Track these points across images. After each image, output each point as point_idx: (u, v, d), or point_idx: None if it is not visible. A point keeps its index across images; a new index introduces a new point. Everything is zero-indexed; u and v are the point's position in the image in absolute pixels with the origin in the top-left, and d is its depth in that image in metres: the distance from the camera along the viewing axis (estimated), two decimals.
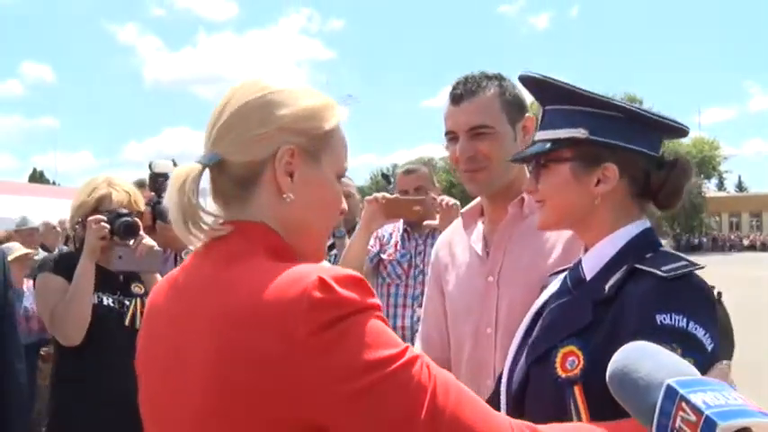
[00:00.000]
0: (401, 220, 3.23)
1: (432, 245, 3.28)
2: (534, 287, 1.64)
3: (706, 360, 1.04)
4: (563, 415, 1.16)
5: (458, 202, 2.81)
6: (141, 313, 2.46)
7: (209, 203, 1.08)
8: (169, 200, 1.03)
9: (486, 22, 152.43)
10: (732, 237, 57.07)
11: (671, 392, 0.77)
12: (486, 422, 0.91)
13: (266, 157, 1.03)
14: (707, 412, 0.73)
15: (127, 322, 2.46)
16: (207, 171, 1.06)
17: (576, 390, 1.16)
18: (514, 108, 1.78)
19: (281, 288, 0.91)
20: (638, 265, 1.22)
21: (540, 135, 1.38)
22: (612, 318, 1.19)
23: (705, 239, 55.69)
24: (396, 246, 3.28)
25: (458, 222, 2.00)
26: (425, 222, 2.90)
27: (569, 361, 1.20)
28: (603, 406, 1.01)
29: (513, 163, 1.48)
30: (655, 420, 0.78)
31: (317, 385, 0.87)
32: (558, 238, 1.72)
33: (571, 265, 1.46)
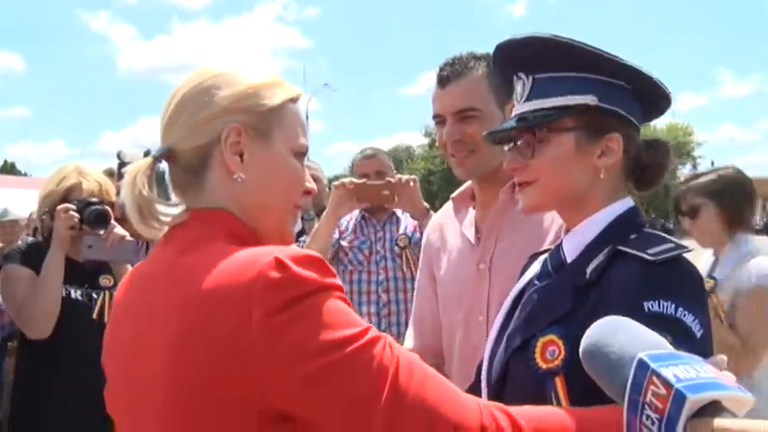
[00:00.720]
0: None
1: (390, 230, 3.30)
2: None
3: (696, 348, 0.99)
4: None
5: (415, 177, 2.80)
6: (110, 306, 2.38)
7: (173, 196, 1.08)
8: (124, 196, 1.03)
9: (463, 10, 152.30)
10: None
11: (642, 366, 0.76)
12: (451, 403, 0.90)
13: (213, 140, 1.03)
14: (677, 385, 0.72)
15: (95, 315, 2.40)
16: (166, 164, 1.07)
17: (558, 381, 1.11)
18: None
19: (236, 270, 0.89)
20: (621, 247, 1.16)
21: (531, 105, 1.24)
22: (594, 303, 1.13)
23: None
24: (355, 232, 3.27)
25: (449, 206, 1.97)
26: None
27: (549, 351, 1.15)
28: (586, 398, 0.98)
29: (494, 136, 1.34)
30: (627, 395, 0.77)
31: (275, 367, 0.85)
32: (552, 224, 1.68)
33: (552, 246, 1.40)
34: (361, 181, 2.82)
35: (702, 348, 1.02)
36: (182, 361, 0.90)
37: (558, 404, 1.10)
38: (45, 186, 2.50)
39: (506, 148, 1.32)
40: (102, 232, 2.41)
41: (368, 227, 3.28)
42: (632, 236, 1.20)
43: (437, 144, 1.86)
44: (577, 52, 1.21)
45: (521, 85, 1.28)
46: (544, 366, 1.14)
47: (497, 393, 1.28)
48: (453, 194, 1.94)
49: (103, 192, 2.48)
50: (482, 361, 1.40)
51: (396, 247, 3.22)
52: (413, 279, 3.17)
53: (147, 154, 1.09)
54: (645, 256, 1.11)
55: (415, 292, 2.04)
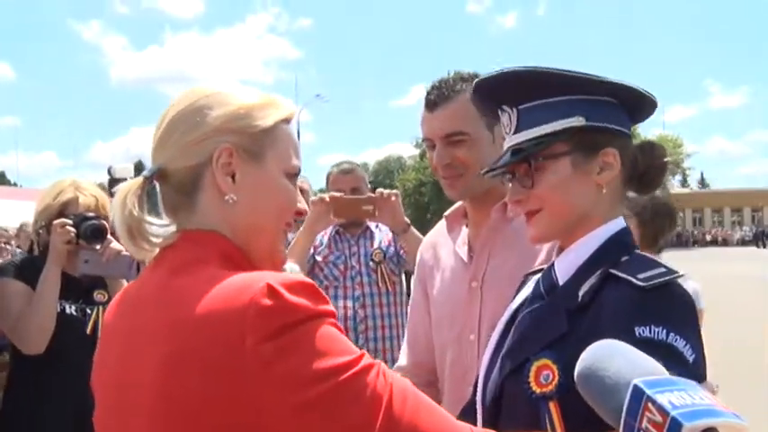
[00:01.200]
0: None
1: (365, 245, 3.24)
2: None
3: (688, 372, 0.99)
4: None
5: (397, 192, 2.78)
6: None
7: (164, 216, 1.07)
8: (114, 216, 1.02)
9: (454, 22, 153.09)
10: (695, 232, 58.25)
11: (638, 393, 0.77)
12: (445, 430, 0.90)
13: (204, 160, 1.02)
14: (672, 413, 0.73)
15: (88, 331, 2.39)
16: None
17: (552, 407, 1.11)
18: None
19: (228, 296, 0.89)
20: (612, 271, 1.17)
21: (521, 136, 1.25)
22: (587, 328, 1.13)
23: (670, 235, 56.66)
24: (329, 247, 3.21)
25: (442, 224, 1.97)
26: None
27: (543, 375, 1.14)
28: (580, 423, 0.98)
29: (492, 174, 1.34)
30: (622, 420, 0.78)
31: (267, 396, 0.84)
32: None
33: (545, 266, 1.39)
34: (341, 195, 2.78)
35: (695, 372, 1.02)
36: (172, 385, 0.89)
37: (553, 429, 1.09)
38: (41, 200, 2.49)
39: (507, 180, 1.32)
40: (98, 247, 2.41)
41: (342, 241, 3.22)
42: (624, 258, 1.20)
43: (429, 164, 1.87)
44: (555, 79, 1.22)
45: (506, 118, 1.29)
46: (538, 391, 1.14)
47: (492, 415, 1.27)
48: (446, 213, 1.94)
49: (100, 206, 2.48)
50: (477, 381, 1.39)
51: (371, 262, 3.17)
52: (388, 294, 3.16)
53: (137, 167, 1.09)
54: (635, 281, 1.11)
55: (409, 309, 2.03)
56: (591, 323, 1.13)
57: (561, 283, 1.25)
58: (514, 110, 1.27)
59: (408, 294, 2.44)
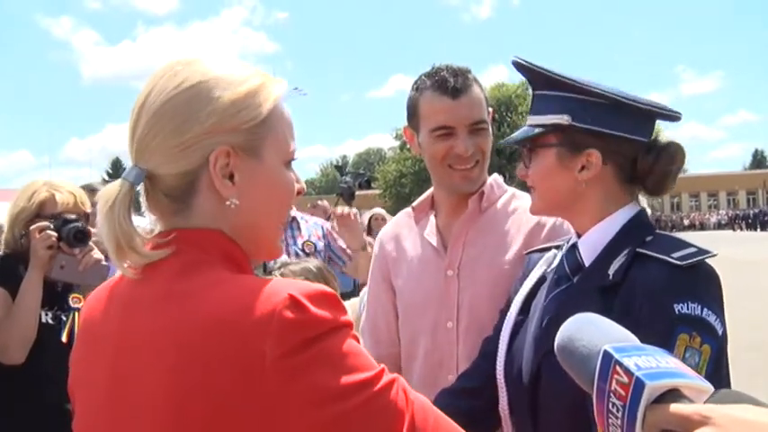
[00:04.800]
0: None
1: (293, 234, 3.26)
2: (496, 280, 1.67)
3: (718, 343, 1.12)
4: (583, 410, 1.14)
5: (356, 211, 2.84)
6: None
7: (147, 216, 0.99)
8: (100, 227, 0.92)
9: (430, 11, 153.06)
10: (673, 217, 58.99)
11: (607, 357, 0.79)
12: None
13: (198, 165, 0.92)
14: (637, 373, 0.75)
15: (64, 338, 2.31)
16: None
17: None
18: (487, 102, 1.79)
19: (243, 306, 0.82)
20: (641, 250, 1.24)
21: (530, 120, 1.39)
22: (622, 305, 1.20)
23: None
24: None
25: (404, 216, 1.98)
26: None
27: None
28: None
29: (506, 145, 1.45)
30: (594, 386, 0.81)
31: (291, 411, 0.80)
32: (518, 232, 1.72)
33: (553, 243, 1.47)
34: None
35: (722, 343, 1.15)
36: (179, 404, 0.82)
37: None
38: (15, 203, 2.39)
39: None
40: (77, 251, 2.33)
41: None
42: (648, 238, 1.28)
43: (413, 152, 1.87)
44: (551, 77, 1.32)
45: (531, 98, 1.43)
46: None
47: (530, 394, 1.33)
48: (413, 204, 1.95)
49: (79, 203, 2.39)
50: (468, 367, 1.46)
51: (302, 253, 3.17)
52: None
53: (115, 165, 1.00)
54: (671, 260, 1.19)
55: (365, 304, 2.04)
56: (624, 301, 1.20)
57: (587, 263, 1.33)
58: (533, 93, 1.40)
59: None
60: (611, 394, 0.78)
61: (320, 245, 3.19)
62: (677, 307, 1.13)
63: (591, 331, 0.88)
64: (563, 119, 1.31)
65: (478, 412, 1.42)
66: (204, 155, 0.92)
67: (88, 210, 2.45)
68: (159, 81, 0.94)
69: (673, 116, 1.36)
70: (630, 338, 0.86)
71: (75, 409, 1.00)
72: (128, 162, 0.98)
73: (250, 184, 0.94)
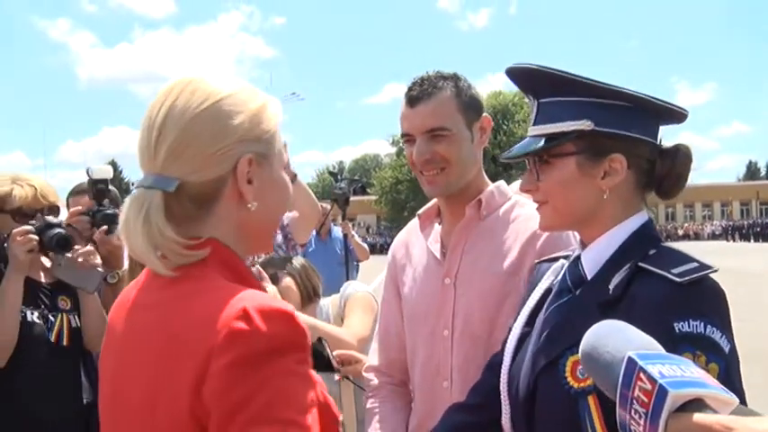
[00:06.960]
0: None
1: None
2: (492, 289, 1.66)
3: (726, 362, 1.06)
4: (576, 428, 1.13)
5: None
6: (69, 329, 2.30)
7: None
8: (133, 230, 0.97)
9: (426, 19, 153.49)
10: (668, 227, 59.09)
11: (631, 363, 0.80)
12: None
13: (227, 171, 1.00)
14: (660, 381, 0.76)
15: (53, 339, 2.27)
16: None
17: (591, 401, 1.12)
18: (471, 109, 1.75)
19: (206, 316, 0.90)
20: (642, 264, 1.18)
21: (537, 130, 1.29)
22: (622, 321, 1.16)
23: None
24: None
25: (414, 223, 1.98)
26: None
27: (579, 370, 1.14)
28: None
29: (509, 161, 1.38)
30: (618, 392, 0.81)
31: (214, 417, 0.85)
32: (516, 240, 1.71)
33: (562, 253, 1.42)
34: None
35: (731, 360, 1.08)
36: (157, 399, 0.92)
37: (592, 424, 1.11)
38: None
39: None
40: (68, 255, 2.30)
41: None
42: (651, 251, 1.22)
43: (407, 160, 1.87)
44: (568, 80, 1.25)
45: (531, 107, 1.33)
46: (576, 386, 1.15)
47: (526, 410, 1.29)
48: (419, 211, 1.95)
49: (39, 196, 2.36)
50: (476, 380, 1.43)
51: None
52: None
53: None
54: (671, 276, 1.13)
55: (380, 309, 2.04)
56: (623, 317, 1.13)
57: (590, 276, 1.27)
58: (535, 102, 1.31)
59: None
60: (634, 401, 0.78)
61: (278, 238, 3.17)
62: (678, 326, 1.08)
63: (616, 338, 0.88)
64: (584, 124, 1.23)
65: (487, 426, 1.40)
66: (233, 162, 1.00)
67: (52, 200, 2.42)
68: (179, 97, 1.01)
69: (683, 115, 1.33)
70: (655, 346, 0.86)
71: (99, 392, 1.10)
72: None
73: (263, 190, 1.04)
